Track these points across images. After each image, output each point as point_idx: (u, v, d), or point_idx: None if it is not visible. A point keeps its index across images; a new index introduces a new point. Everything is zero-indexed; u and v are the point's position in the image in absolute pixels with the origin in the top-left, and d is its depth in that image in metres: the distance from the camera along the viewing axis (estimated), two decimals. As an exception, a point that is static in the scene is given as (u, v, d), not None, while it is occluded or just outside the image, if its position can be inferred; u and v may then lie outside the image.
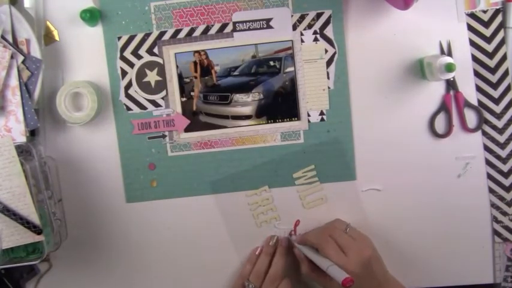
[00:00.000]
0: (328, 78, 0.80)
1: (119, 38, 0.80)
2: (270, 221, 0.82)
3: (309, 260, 0.76)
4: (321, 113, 0.81)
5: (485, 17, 0.79)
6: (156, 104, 0.81)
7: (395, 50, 0.80)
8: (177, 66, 0.80)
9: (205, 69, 0.80)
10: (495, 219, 0.81)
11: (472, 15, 0.79)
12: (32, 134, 0.79)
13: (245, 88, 0.80)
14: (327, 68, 0.80)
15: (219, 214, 0.82)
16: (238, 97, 0.80)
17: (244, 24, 0.79)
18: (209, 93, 0.81)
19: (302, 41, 0.79)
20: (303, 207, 0.82)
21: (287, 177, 0.81)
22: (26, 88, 0.76)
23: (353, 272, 0.69)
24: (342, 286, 0.66)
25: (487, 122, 0.80)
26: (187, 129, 0.81)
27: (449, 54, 0.79)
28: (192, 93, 0.81)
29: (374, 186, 0.81)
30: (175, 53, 0.80)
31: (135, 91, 0.81)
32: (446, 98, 0.80)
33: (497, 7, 0.79)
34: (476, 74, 0.80)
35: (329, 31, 0.79)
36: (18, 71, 0.75)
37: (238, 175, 0.81)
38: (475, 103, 0.80)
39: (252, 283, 0.77)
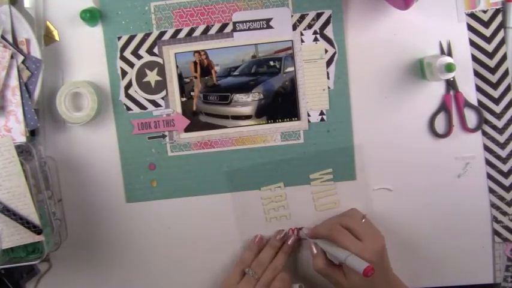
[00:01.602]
0: (328, 78, 0.80)
1: (119, 38, 0.80)
2: (280, 218, 0.82)
3: (323, 254, 0.75)
4: (321, 113, 0.81)
5: (485, 17, 0.79)
6: (156, 104, 0.81)
7: (395, 50, 0.80)
8: (177, 66, 0.80)
9: (205, 69, 0.80)
10: (495, 219, 0.81)
11: (472, 15, 0.79)
12: (32, 134, 0.79)
13: (245, 88, 0.80)
14: (327, 68, 0.80)
15: (219, 214, 0.82)
16: (238, 97, 0.81)
17: (244, 24, 0.79)
18: (209, 93, 0.81)
19: (302, 41, 0.79)
20: (315, 209, 0.82)
21: (303, 177, 0.81)
22: (26, 88, 0.76)
23: (370, 260, 0.68)
24: (362, 276, 0.64)
25: (487, 122, 0.80)
26: (187, 129, 0.81)
27: (449, 54, 0.79)
28: (192, 93, 0.81)
29: (374, 186, 0.81)
30: (175, 53, 0.80)
31: (135, 91, 0.81)
32: (446, 98, 0.80)
33: (497, 7, 0.79)
34: (476, 74, 0.80)
35: (329, 31, 0.79)
36: (18, 71, 0.75)
37: (245, 172, 0.81)
38: (475, 103, 0.80)
39: (253, 270, 0.77)
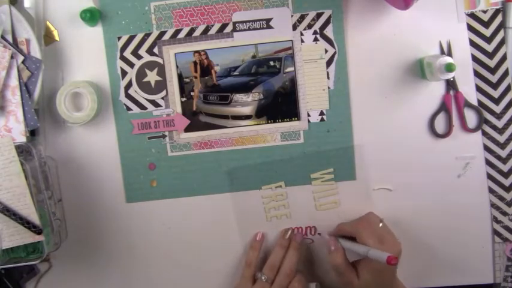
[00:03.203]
0: (328, 78, 0.80)
1: (119, 38, 0.80)
2: (281, 217, 0.82)
3: (342, 250, 0.75)
4: (321, 113, 0.81)
5: (485, 17, 0.79)
6: (156, 104, 0.81)
7: (395, 50, 0.80)
8: (177, 66, 0.80)
9: (205, 69, 0.80)
10: (495, 219, 0.81)
11: (472, 15, 0.79)
12: (32, 134, 0.79)
13: (245, 88, 0.80)
14: (327, 68, 0.80)
15: (219, 214, 0.82)
16: (238, 97, 0.81)
17: (244, 24, 0.79)
18: (209, 93, 0.81)
19: (302, 41, 0.79)
20: (316, 209, 0.82)
21: (303, 177, 0.81)
22: (26, 88, 0.76)
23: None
24: (386, 264, 0.65)
25: (487, 122, 0.80)
26: (187, 129, 0.81)
27: (449, 54, 0.79)
28: (192, 93, 0.81)
29: (374, 186, 0.81)
30: (175, 53, 0.80)
31: (135, 91, 0.81)
32: (446, 98, 0.80)
33: (497, 7, 0.79)
34: (476, 74, 0.80)
35: (329, 31, 0.79)
36: (18, 71, 0.75)
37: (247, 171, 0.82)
38: (475, 103, 0.80)
39: (265, 275, 0.76)
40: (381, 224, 0.76)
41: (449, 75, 0.73)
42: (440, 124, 0.80)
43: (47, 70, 0.78)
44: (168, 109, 0.81)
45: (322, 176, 0.81)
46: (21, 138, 0.76)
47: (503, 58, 0.79)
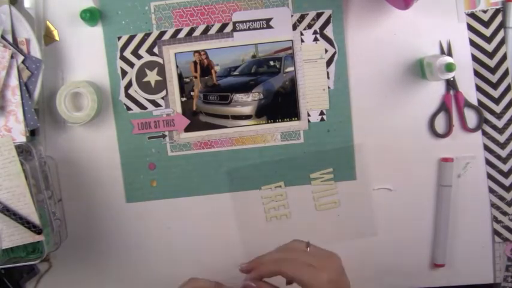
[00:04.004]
0: (328, 78, 0.80)
1: (119, 38, 0.80)
2: (280, 217, 0.82)
3: None
4: (321, 113, 0.81)
5: (485, 17, 0.79)
6: (156, 104, 0.81)
7: (395, 50, 0.80)
8: (177, 66, 0.80)
9: (205, 69, 0.80)
10: (495, 219, 0.81)
11: (472, 15, 0.79)
12: (32, 134, 0.79)
13: (245, 88, 0.80)
14: (327, 68, 0.80)
15: (219, 214, 0.82)
16: (238, 97, 0.81)
17: (244, 24, 0.79)
18: (209, 93, 0.81)
19: (302, 40, 0.79)
20: (316, 209, 0.82)
21: (303, 177, 0.81)
22: (26, 88, 0.76)
23: (329, 279, 0.61)
24: None
25: (487, 122, 0.80)
26: (187, 129, 0.81)
27: (449, 54, 0.79)
28: (192, 93, 0.81)
29: (374, 186, 0.81)
30: (175, 53, 0.80)
31: (135, 91, 0.81)
32: (446, 98, 0.80)
33: (497, 7, 0.79)
34: (476, 74, 0.80)
35: (329, 31, 0.79)
36: (18, 71, 0.75)
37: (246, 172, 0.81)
38: (475, 103, 0.80)
39: None
40: (308, 249, 0.66)
41: (449, 75, 0.73)
42: (440, 124, 0.80)
43: (47, 70, 0.78)
44: (168, 109, 0.81)
45: (322, 176, 0.81)
46: (21, 138, 0.76)
47: (503, 58, 0.79)
